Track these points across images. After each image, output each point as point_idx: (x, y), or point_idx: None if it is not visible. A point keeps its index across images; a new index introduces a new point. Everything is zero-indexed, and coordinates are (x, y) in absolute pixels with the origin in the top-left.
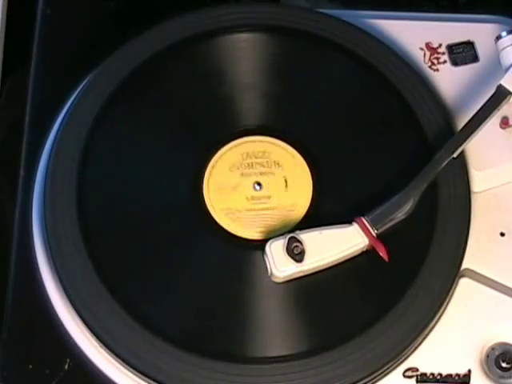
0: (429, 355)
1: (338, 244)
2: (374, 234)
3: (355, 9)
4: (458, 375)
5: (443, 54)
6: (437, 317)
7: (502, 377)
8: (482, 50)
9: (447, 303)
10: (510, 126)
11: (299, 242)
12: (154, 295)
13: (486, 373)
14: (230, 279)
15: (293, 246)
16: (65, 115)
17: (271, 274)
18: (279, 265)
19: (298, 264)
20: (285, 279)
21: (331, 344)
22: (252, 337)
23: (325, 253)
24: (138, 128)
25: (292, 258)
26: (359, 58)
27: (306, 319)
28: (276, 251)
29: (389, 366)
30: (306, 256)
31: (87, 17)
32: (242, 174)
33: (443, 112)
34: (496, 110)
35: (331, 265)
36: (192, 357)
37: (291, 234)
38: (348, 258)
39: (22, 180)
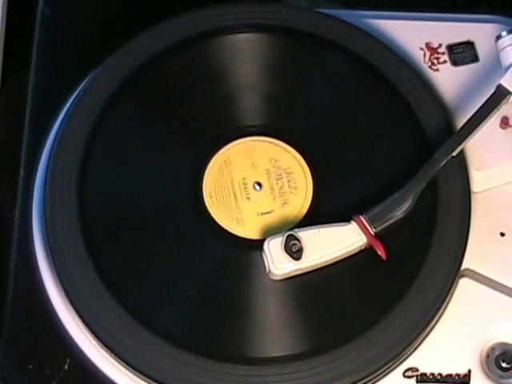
0: (429, 355)
1: (336, 242)
2: (373, 233)
3: (355, 9)
4: (458, 375)
5: (443, 54)
6: (437, 317)
7: (502, 377)
8: (481, 50)
9: (447, 303)
10: (510, 126)
11: (297, 239)
12: (153, 295)
13: (486, 373)
14: (230, 279)
15: (291, 244)
16: (65, 115)
17: (269, 271)
18: (277, 262)
19: (296, 262)
20: (283, 277)
21: (331, 344)
22: (252, 337)
23: (323, 251)
24: (137, 128)
25: (290, 255)
26: (359, 58)
27: (305, 319)
28: (274, 249)
29: (389, 365)
30: (304, 254)
31: (87, 17)
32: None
33: (443, 112)
34: (496, 110)
35: (329, 263)
36: (192, 357)
37: (289, 232)
38: (346, 256)
39: (22, 180)
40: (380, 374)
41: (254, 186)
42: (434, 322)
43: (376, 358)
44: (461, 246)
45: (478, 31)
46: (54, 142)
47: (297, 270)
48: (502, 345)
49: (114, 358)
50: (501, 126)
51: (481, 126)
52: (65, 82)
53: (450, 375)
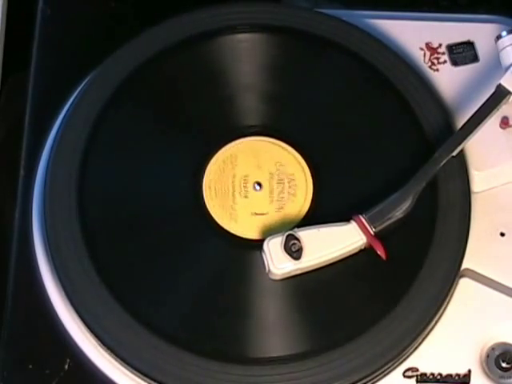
0: (429, 355)
1: (335, 242)
2: (372, 233)
3: (355, 9)
4: (458, 375)
5: (443, 54)
6: (437, 317)
7: (502, 377)
8: (482, 49)
9: (447, 303)
10: (510, 126)
11: (297, 239)
12: (153, 295)
13: (486, 373)
14: (230, 279)
15: (290, 244)
16: (65, 115)
17: (269, 271)
18: (277, 262)
19: (296, 261)
20: (282, 276)
21: (331, 344)
22: (252, 337)
23: (322, 250)
24: (137, 128)
25: (290, 255)
26: (359, 58)
27: (306, 319)
28: (274, 248)
29: (389, 365)
30: (304, 253)
31: (87, 17)
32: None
33: (443, 112)
34: (495, 110)
35: (329, 263)
36: (192, 357)
37: (289, 232)
38: (346, 256)
39: (22, 180)
40: (380, 373)
41: (254, 186)
42: (433, 322)
43: (376, 358)
44: (461, 246)
45: (478, 31)
46: (53, 142)
47: (296, 269)
48: (502, 345)
49: (114, 358)
50: (501, 126)
51: (481, 125)
52: (65, 82)
53: (450, 375)
